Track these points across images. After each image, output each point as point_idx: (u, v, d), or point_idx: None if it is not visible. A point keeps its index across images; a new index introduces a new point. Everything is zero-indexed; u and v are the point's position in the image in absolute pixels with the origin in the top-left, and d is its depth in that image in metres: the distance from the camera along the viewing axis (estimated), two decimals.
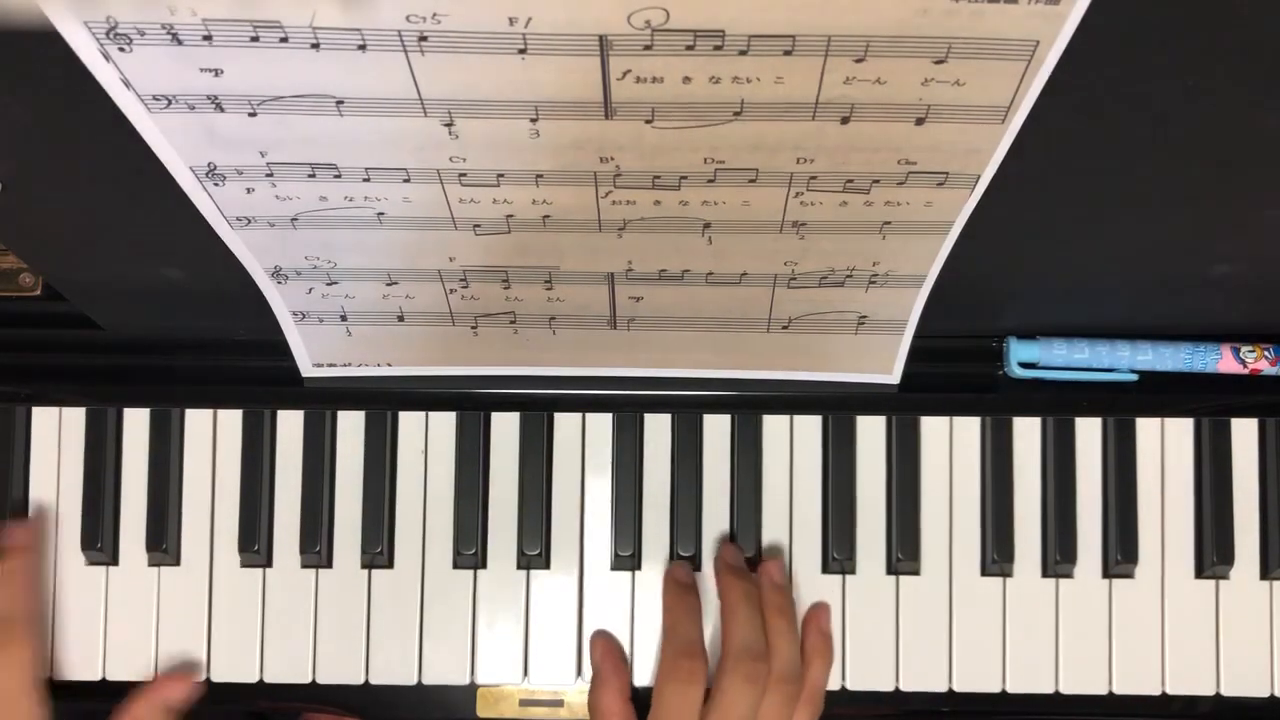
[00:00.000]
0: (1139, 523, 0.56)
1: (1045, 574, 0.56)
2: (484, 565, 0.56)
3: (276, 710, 0.59)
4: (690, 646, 0.50)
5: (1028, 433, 0.56)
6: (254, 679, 0.55)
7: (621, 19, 0.33)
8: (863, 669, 0.55)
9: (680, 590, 0.53)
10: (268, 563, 0.56)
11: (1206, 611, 0.56)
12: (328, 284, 0.48)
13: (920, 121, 0.37)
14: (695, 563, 0.56)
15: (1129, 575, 0.56)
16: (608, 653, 0.53)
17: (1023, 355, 0.54)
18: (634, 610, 0.55)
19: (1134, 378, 0.54)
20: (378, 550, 0.55)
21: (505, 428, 0.56)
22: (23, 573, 0.53)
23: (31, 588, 0.53)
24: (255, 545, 0.55)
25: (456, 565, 0.56)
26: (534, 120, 0.37)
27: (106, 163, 0.42)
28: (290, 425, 0.56)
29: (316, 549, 0.55)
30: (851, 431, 0.56)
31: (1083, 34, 0.33)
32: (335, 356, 0.53)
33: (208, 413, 0.56)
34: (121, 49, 0.34)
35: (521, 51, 0.34)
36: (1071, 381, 0.55)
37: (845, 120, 0.37)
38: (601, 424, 0.56)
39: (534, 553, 0.55)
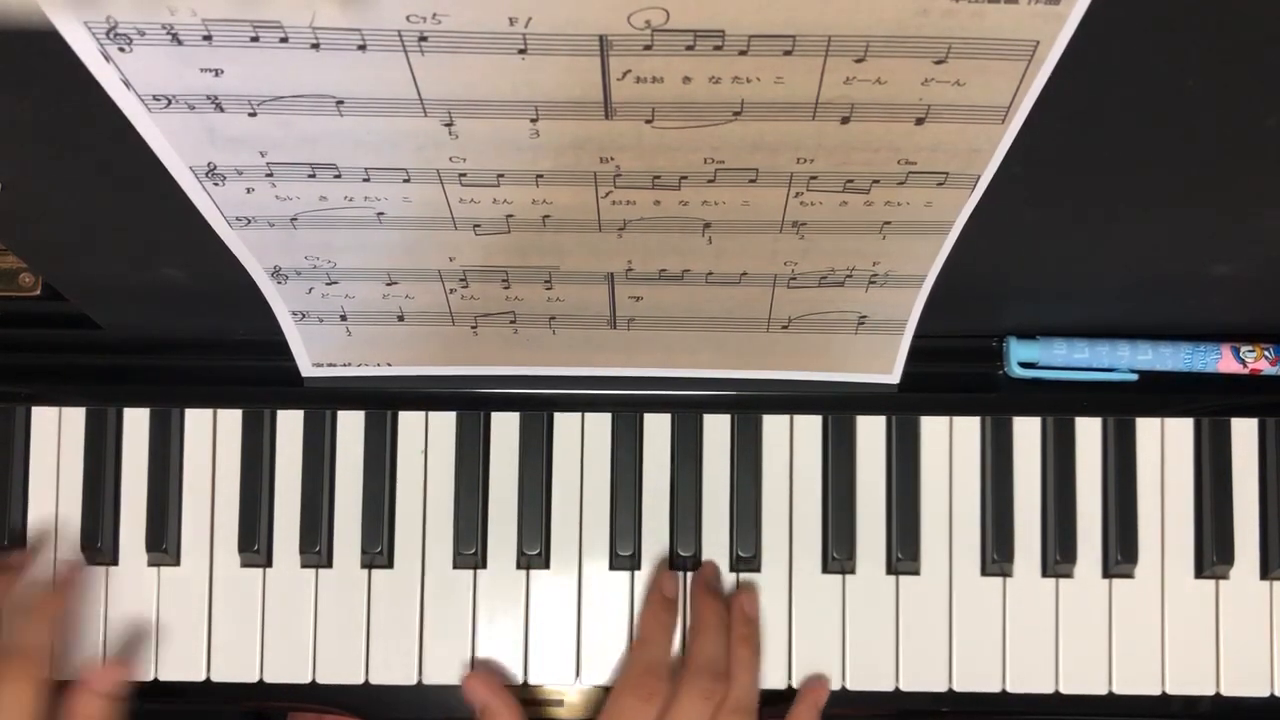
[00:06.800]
0: (1139, 523, 0.56)
1: (1045, 574, 0.56)
2: (484, 565, 0.56)
3: (274, 710, 0.59)
4: (658, 666, 0.51)
5: (1028, 433, 0.56)
6: (254, 679, 0.55)
7: (621, 19, 0.33)
8: (863, 669, 0.55)
9: (662, 604, 0.54)
10: (268, 563, 0.56)
11: (1206, 611, 0.56)
12: (328, 284, 0.48)
13: (920, 121, 0.37)
14: (695, 563, 0.56)
15: (1129, 575, 0.56)
16: (494, 688, 0.53)
17: (1023, 355, 0.54)
18: (634, 610, 0.55)
19: (1134, 378, 0.54)
20: (377, 550, 0.55)
21: (505, 428, 0.56)
22: (52, 609, 0.54)
23: (55, 625, 0.53)
24: (255, 545, 0.55)
25: (456, 565, 0.56)
26: (534, 120, 0.37)
27: (106, 163, 0.42)
28: (290, 425, 0.56)
29: (316, 549, 0.55)
30: (851, 431, 0.56)
31: (1083, 34, 0.33)
32: (335, 356, 0.53)
33: (208, 413, 0.56)
34: (121, 49, 0.34)
35: (521, 51, 0.34)
36: (1071, 381, 0.55)
37: (845, 120, 0.37)
38: (601, 424, 0.56)
39: (534, 552, 0.55)
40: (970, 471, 0.56)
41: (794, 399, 0.55)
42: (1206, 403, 0.55)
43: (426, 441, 0.56)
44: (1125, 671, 0.55)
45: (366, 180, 0.41)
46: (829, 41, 0.34)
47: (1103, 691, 0.55)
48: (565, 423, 0.56)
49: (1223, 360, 0.54)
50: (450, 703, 0.55)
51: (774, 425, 0.56)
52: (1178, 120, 0.39)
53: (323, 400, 0.55)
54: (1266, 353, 0.54)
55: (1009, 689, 0.55)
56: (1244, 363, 0.54)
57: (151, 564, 0.56)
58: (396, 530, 0.56)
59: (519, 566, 0.56)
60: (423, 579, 0.56)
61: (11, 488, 0.56)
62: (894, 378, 0.53)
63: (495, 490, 0.56)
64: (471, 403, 0.55)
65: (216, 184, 0.41)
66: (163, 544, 0.55)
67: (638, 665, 0.50)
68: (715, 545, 0.56)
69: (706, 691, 0.49)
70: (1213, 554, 0.55)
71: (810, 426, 0.56)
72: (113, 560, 0.56)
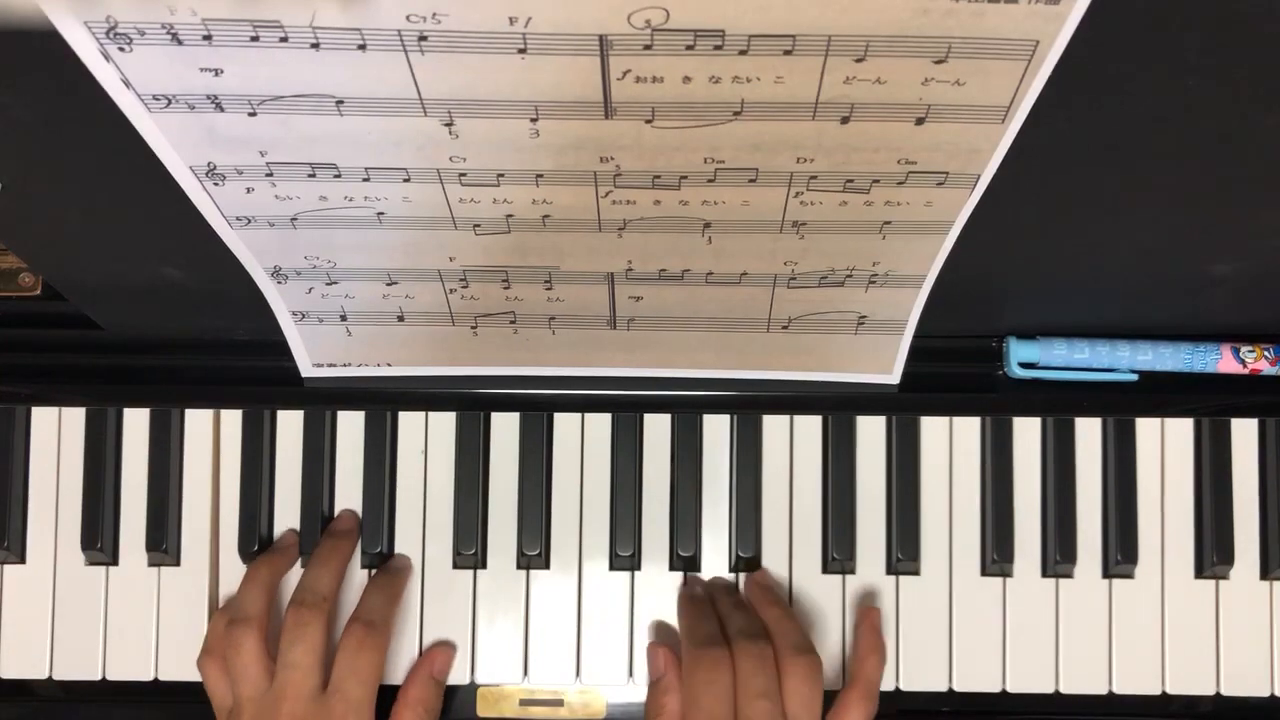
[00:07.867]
0: (1139, 523, 0.56)
1: (1045, 574, 0.56)
2: (484, 565, 0.56)
3: None
4: (713, 638, 0.50)
5: (1028, 433, 0.56)
6: None
7: (621, 19, 0.33)
8: None
9: (693, 599, 0.54)
10: None
11: (1206, 611, 0.56)
12: (328, 284, 0.48)
13: (920, 121, 0.37)
14: (695, 563, 0.56)
15: (1129, 575, 0.56)
16: (676, 665, 0.52)
17: (1023, 355, 0.54)
18: (633, 610, 0.55)
19: (1134, 378, 0.54)
20: (377, 550, 0.55)
21: (505, 428, 0.56)
22: (398, 585, 0.54)
23: (398, 600, 0.54)
24: (255, 545, 0.55)
25: (456, 565, 0.56)
26: (534, 120, 0.37)
27: (106, 163, 0.42)
28: (290, 425, 0.56)
29: None
30: (851, 431, 0.56)
31: (1083, 34, 0.33)
32: (335, 356, 0.53)
33: (208, 413, 0.57)
34: (121, 49, 0.34)
35: (521, 51, 0.34)
36: (1071, 381, 0.55)
37: (845, 120, 0.37)
38: (601, 424, 0.56)
39: (534, 553, 0.55)
40: (970, 471, 0.56)
41: (794, 399, 0.55)
42: (1206, 403, 0.55)
43: (426, 441, 0.56)
44: (1125, 671, 0.55)
45: (366, 180, 0.41)
46: (829, 41, 0.34)
47: (1103, 691, 0.55)
48: (565, 423, 0.56)
49: (1223, 360, 0.54)
50: (450, 702, 0.55)
51: (774, 425, 0.56)
52: (1177, 120, 0.39)
53: (323, 400, 0.55)
54: (1266, 353, 0.54)
55: (1009, 689, 0.55)
56: (1244, 363, 0.54)
57: (151, 564, 0.56)
58: (396, 530, 0.56)
59: (519, 567, 0.56)
60: (423, 579, 0.56)
61: (11, 488, 0.56)
62: (894, 378, 0.53)
63: (495, 490, 0.56)
64: (471, 403, 0.55)
65: (216, 184, 0.41)
66: (163, 544, 0.55)
67: (694, 645, 0.50)
68: (715, 545, 0.56)
69: (754, 653, 0.49)
70: (1213, 554, 0.55)
71: (810, 426, 0.56)
72: (113, 560, 0.56)
